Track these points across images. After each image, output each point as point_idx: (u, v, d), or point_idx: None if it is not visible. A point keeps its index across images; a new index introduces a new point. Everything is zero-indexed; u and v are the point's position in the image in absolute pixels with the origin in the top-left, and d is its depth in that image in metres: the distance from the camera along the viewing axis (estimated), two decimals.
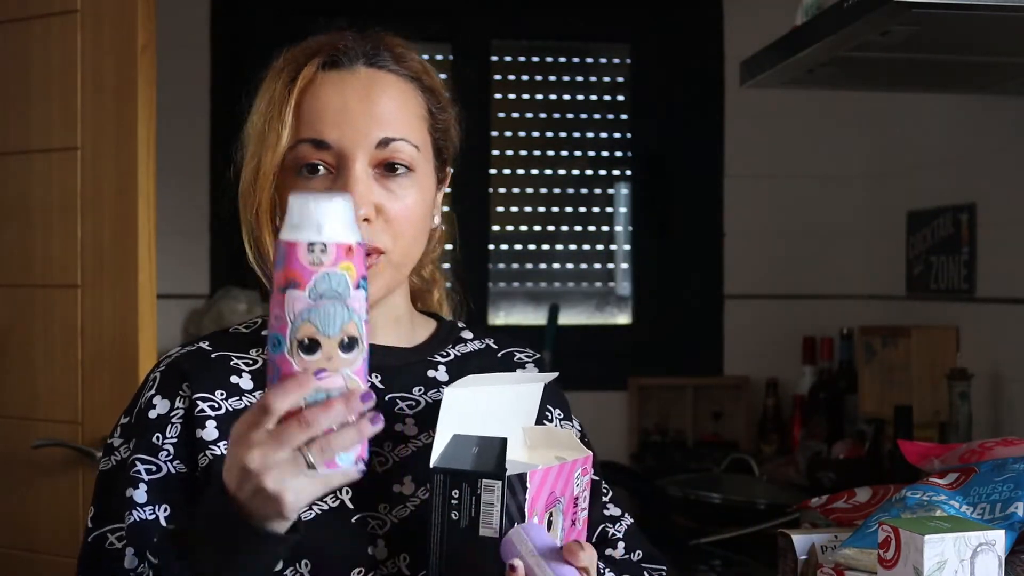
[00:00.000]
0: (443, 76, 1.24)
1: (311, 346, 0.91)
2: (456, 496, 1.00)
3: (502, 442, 1.04)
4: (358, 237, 0.93)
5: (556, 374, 1.25)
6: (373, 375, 1.18)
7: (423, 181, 1.17)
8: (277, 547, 0.96)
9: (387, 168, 1.14)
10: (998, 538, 1.13)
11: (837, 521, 1.42)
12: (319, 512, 1.08)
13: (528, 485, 1.01)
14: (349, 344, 0.92)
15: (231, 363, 1.15)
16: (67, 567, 1.84)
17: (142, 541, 1.07)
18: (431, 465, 1.02)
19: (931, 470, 1.40)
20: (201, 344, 1.17)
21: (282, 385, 0.91)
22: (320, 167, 1.12)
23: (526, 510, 1.01)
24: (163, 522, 1.08)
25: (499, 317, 3.02)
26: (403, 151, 1.14)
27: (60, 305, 1.97)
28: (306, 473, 0.91)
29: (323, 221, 0.91)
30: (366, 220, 1.11)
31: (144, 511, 1.08)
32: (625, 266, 3.08)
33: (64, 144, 1.97)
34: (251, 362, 1.16)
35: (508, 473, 1.00)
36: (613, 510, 1.29)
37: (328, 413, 0.91)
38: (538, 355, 1.33)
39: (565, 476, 1.09)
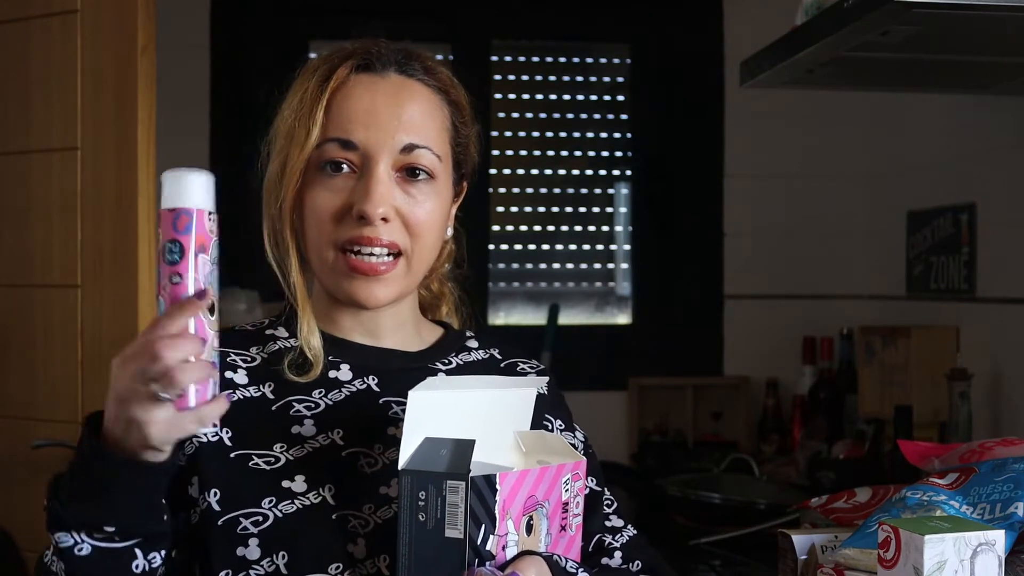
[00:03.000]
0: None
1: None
2: (423, 497, 1.01)
3: (469, 443, 1.05)
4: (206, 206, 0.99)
5: (544, 379, 1.25)
6: (370, 377, 1.19)
7: (442, 190, 1.19)
8: (151, 476, 0.99)
9: (408, 173, 1.16)
10: (998, 538, 1.13)
11: (837, 521, 1.42)
12: (300, 507, 1.10)
13: (498, 487, 1.02)
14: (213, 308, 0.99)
15: (228, 359, 1.17)
16: None
17: None
18: (399, 467, 1.02)
19: (931, 470, 1.40)
20: None
21: (180, 341, 0.96)
22: (344, 165, 1.15)
23: (497, 512, 1.02)
24: None
25: (499, 317, 3.03)
26: (426, 158, 1.16)
27: (60, 305, 1.97)
28: (165, 407, 0.95)
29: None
30: (383, 220, 1.13)
31: None
32: (625, 266, 3.08)
33: (64, 144, 1.97)
34: (249, 359, 1.18)
35: (478, 475, 1.01)
36: (615, 522, 1.29)
37: (174, 346, 0.95)
38: (542, 367, 1.34)
39: (549, 481, 1.09)
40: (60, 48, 1.97)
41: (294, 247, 1.18)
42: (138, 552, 1.02)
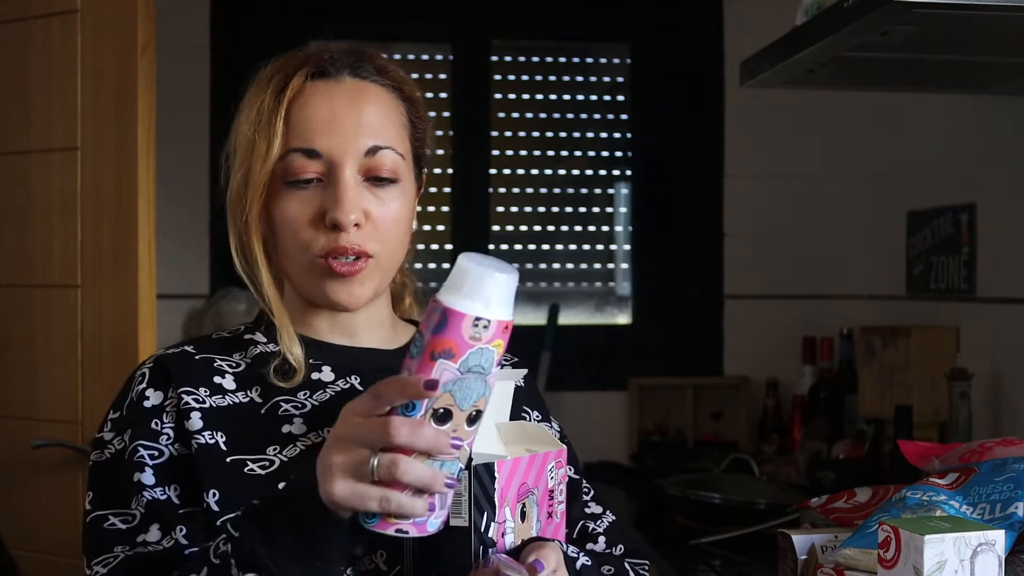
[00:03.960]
0: (410, 75, 1.26)
1: (444, 416, 0.92)
2: None
3: None
4: (512, 313, 0.93)
5: (523, 371, 1.26)
6: (352, 377, 1.20)
7: (407, 189, 1.20)
8: (355, 537, 0.99)
9: (375, 181, 1.16)
10: (998, 538, 1.13)
11: (837, 521, 1.42)
12: None
13: (497, 475, 1.03)
14: (475, 418, 0.94)
15: (215, 364, 1.18)
16: (68, 567, 1.85)
17: (163, 518, 1.09)
18: None
19: (931, 470, 1.40)
20: (185, 347, 1.20)
21: (420, 429, 0.92)
22: (312, 180, 1.15)
23: (496, 500, 1.03)
24: (175, 500, 1.11)
25: None
26: (389, 159, 1.17)
27: (60, 305, 1.97)
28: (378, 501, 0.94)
29: (492, 296, 0.91)
30: (356, 226, 1.14)
31: (155, 491, 1.11)
32: (625, 266, 3.08)
33: (64, 144, 1.97)
34: (234, 365, 1.19)
35: (476, 463, 1.02)
36: (594, 508, 1.32)
37: (420, 473, 0.93)
38: (516, 359, 1.34)
39: (537, 468, 1.10)
40: (60, 48, 1.97)
41: (263, 258, 1.18)
42: None
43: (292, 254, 1.16)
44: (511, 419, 1.22)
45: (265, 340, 1.21)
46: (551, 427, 1.32)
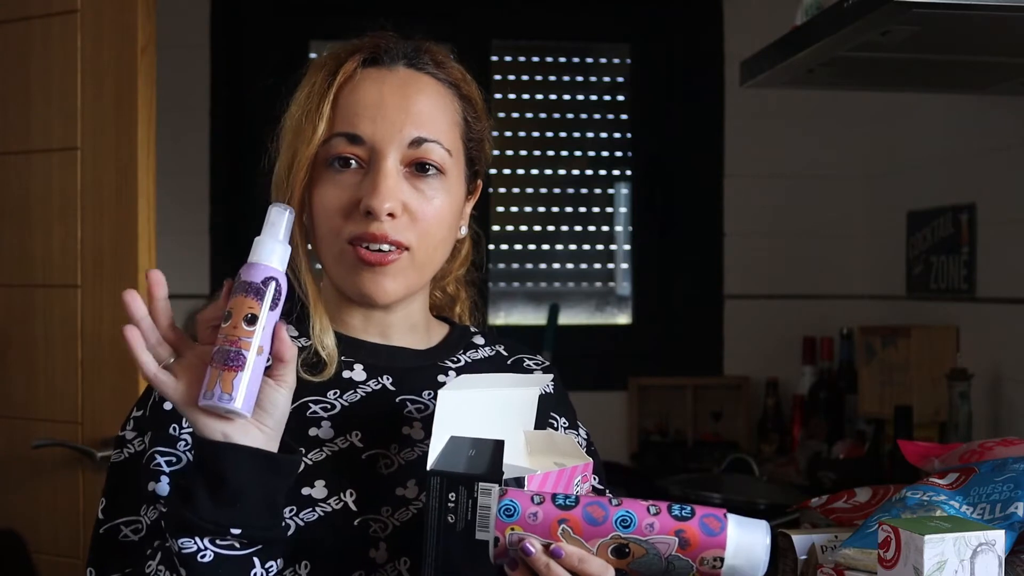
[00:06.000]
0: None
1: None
2: (453, 499, 1.00)
3: (498, 444, 1.04)
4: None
5: (550, 376, 1.24)
6: (384, 377, 1.18)
7: (453, 186, 1.17)
8: (278, 474, 1.00)
9: (418, 168, 1.14)
10: (998, 538, 1.13)
11: (837, 521, 1.42)
12: (323, 513, 1.08)
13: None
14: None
15: None
16: (67, 567, 1.85)
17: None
18: (428, 468, 1.02)
19: (931, 470, 1.40)
20: None
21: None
22: (352, 161, 1.13)
23: None
24: None
25: (499, 317, 3.03)
26: (435, 152, 1.14)
27: (60, 305, 1.97)
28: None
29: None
30: (390, 215, 1.11)
31: None
32: (625, 266, 3.08)
33: (64, 144, 1.97)
34: None
35: (506, 477, 1.00)
36: None
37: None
38: (547, 363, 1.33)
39: (565, 482, 1.09)
40: (60, 48, 1.97)
41: (303, 244, 1.16)
42: (256, 561, 1.00)
43: (325, 240, 1.14)
44: (537, 427, 1.21)
45: (296, 334, 1.19)
46: (578, 435, 1.30)
